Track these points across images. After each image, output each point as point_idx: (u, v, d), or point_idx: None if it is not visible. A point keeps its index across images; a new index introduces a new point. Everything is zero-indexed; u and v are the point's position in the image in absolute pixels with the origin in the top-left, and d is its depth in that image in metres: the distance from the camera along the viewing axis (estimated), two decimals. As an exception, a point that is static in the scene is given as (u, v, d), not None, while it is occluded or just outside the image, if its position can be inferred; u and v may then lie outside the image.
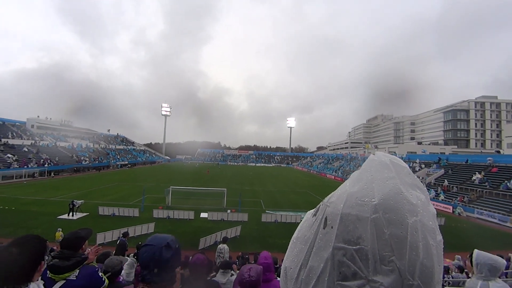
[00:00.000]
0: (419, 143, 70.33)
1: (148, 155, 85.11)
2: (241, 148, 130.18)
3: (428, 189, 29.88)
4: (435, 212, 0.53)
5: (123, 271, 2.79)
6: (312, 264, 0.51)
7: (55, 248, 8.48)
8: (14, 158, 36.13)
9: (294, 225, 17.92)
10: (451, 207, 25.08)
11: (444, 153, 50.15)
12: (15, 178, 32.28)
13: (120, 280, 2.49)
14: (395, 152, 54.29)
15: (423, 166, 38.66)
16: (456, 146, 61.56)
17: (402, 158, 45.29)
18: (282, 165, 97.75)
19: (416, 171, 36.80)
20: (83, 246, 2.13)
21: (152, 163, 77.56)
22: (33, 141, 45.72)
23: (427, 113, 79.20)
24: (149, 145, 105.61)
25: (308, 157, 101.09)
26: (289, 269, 0.57)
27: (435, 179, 32.89)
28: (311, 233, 0.55)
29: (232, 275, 3.43)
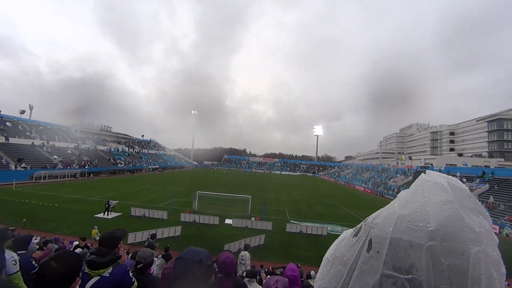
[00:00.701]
0: (460, 155, 64.83)
1: (177, 160, 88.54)
2: (266, 155, 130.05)
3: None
4: (498, 241, 0.47)
5: (153, 270, 2.91)
6: None
7: (90, 245, 9.09)
8: (59, 159, 39.77)
9: (319, 237, 17.28)
10: (497, 227, 22.55)
11: (489, 166, 45.65)
12: (59, 178, 35.31)
13: (151, 272, 2.58)
14: (432, 164, 50.59)
15: (464, 180, 35.37)
16: (502, 159, 55.62)
17: (440, 170, 41.96)
18: (308, 174, 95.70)
19: (456, 186, 33.76)
20: (119, 245, 2.27)
21: (181, 168, 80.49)
22: (76, 144, 49.97)
23: (468, 122, 72.87)
24: (178, 150, 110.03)
25: (336, 167, 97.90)
26: None
27: (478, 195, 29.90)
28: (352, 254, 0.51)
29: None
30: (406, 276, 0.43)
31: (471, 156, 61.23)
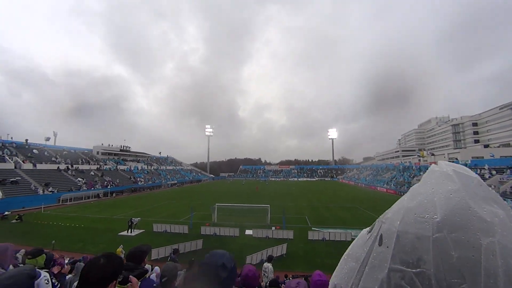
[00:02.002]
0: (486, 146, 61.29)
1: (194, 174, 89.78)
2: (281, 163, 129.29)
3: (503, 199, 25.50)
4: None
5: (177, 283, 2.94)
6: (364, 285, 0.47)
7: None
8: (83, 181, 41.50)
9: (344, 243, 16.76)
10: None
11: (519, 156, 42.86)
12: (84, 199, 36.74)
13: (176, 286, 2.60)
14: (456, 159, 48.21)
15: (494, 172, 33.30)
16: (535, 148, 52.04)
17: (466, 164, 39.86)
18: (326, 179, 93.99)
19: (486, 179, 31.78)
20: (145, 259, 2.32)
21: (199, 181, 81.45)
22: (98, 166, 52.05)
23: (491, 111, 68.72)
24: (195, 164, 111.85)
25: (354, 169, 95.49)
26: (338, 286, 0.54)
27: (511, 188, 28.02)
28: (364, 250, 0.51)
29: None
30: (414, 270, 0.41)
31: (499, 147, 57.71)
